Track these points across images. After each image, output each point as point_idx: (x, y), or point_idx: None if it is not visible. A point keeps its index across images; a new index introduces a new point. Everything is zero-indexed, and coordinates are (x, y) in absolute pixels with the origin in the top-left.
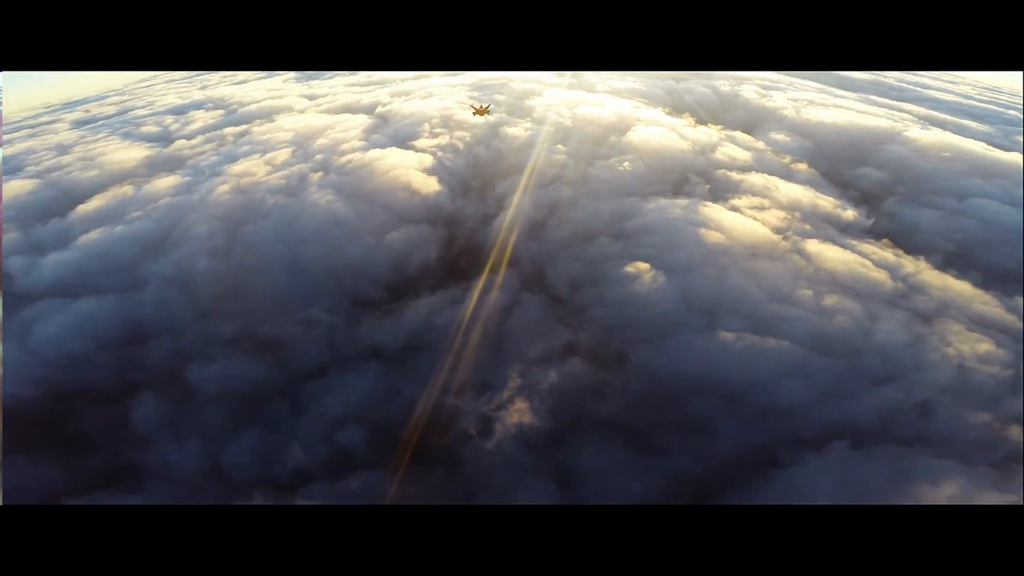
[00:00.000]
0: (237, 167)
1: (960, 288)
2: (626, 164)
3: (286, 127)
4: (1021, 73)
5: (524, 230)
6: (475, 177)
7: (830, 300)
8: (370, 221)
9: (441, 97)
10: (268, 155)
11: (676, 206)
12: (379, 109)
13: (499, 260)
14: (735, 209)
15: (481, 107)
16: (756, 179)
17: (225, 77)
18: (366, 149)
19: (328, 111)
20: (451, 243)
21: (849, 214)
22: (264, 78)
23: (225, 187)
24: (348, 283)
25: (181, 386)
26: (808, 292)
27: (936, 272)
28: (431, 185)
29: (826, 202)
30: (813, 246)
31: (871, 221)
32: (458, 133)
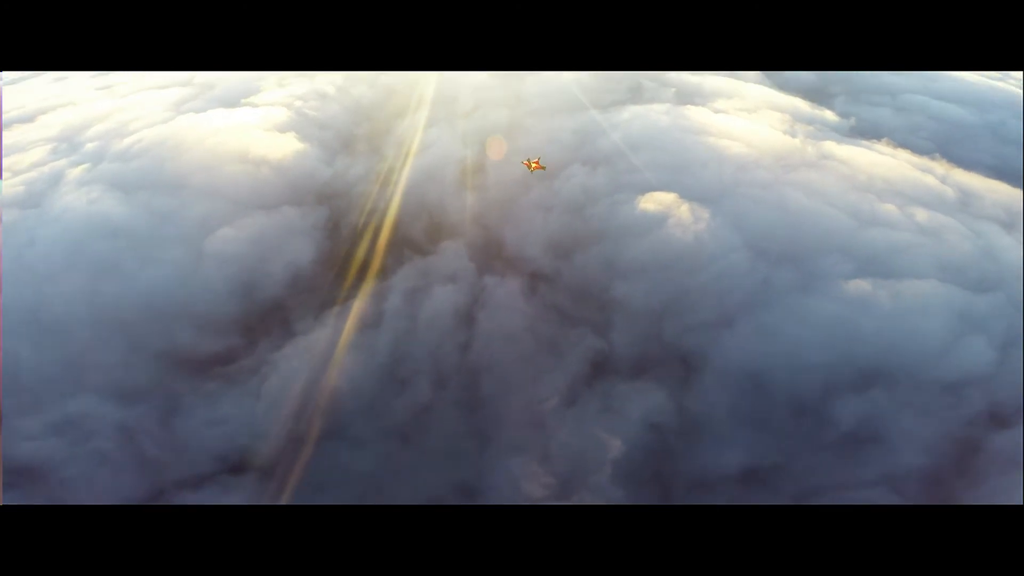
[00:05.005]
0: None
1: (1005, 190)
2: (565, 74)
3: (52, 123)
4: (1021, 73)
5: (453, 181)
6: (360, 123)
7: (921, 215)
8: (178, 220)
9: None
10: (11, 159)
11: (655, 112)
12: (201, 77)
13: (426, 234)
14: (720, 112)
15: (534, 162)
16: (717, 81)
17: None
18: (170, 121)
19: (126, 95)
20: (337, 226)
21: (828, 115)
22: (60, 79)
23: None
24: (153, 335)
25: None
26: (891, 207)
27: (965, 172)
28: (287, 146)
29: (801, 102)
30: (840, 150)
31: (851, 121)
32: (323, 76)
